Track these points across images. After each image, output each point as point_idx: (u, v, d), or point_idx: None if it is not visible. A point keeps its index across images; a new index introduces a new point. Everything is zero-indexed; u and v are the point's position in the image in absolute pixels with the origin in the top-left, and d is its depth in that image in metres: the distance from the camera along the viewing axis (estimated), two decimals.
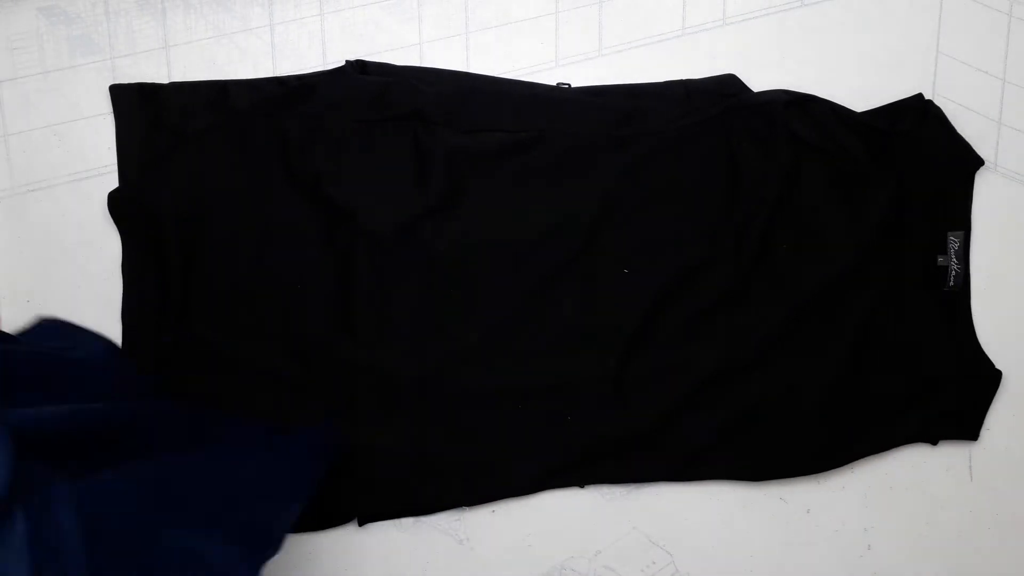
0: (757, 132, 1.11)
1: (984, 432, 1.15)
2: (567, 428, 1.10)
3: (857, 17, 1.18)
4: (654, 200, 1.11)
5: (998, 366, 1.14)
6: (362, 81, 1.11)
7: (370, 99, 1.10)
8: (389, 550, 1.10)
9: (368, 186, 1.09)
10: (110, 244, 1.10)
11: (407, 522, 1.10)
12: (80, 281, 1.10)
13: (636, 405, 1.10)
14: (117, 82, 1.11)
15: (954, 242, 1.14)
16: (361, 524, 1.09)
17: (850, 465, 1.13)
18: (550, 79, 1.15)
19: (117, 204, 1.09)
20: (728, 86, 1.14)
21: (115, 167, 1.10)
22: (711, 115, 1.11)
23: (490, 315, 1.10)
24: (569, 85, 1.15)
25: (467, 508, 1.11)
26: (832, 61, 1.18)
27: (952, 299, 1.14)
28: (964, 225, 1.15)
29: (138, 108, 1.10)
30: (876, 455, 1.13)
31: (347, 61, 1.13)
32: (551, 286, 1.10)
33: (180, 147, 1.10)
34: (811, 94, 1.13)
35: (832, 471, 1.13)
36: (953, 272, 1.13)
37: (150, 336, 1.08)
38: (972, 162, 1.15)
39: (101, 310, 1.10)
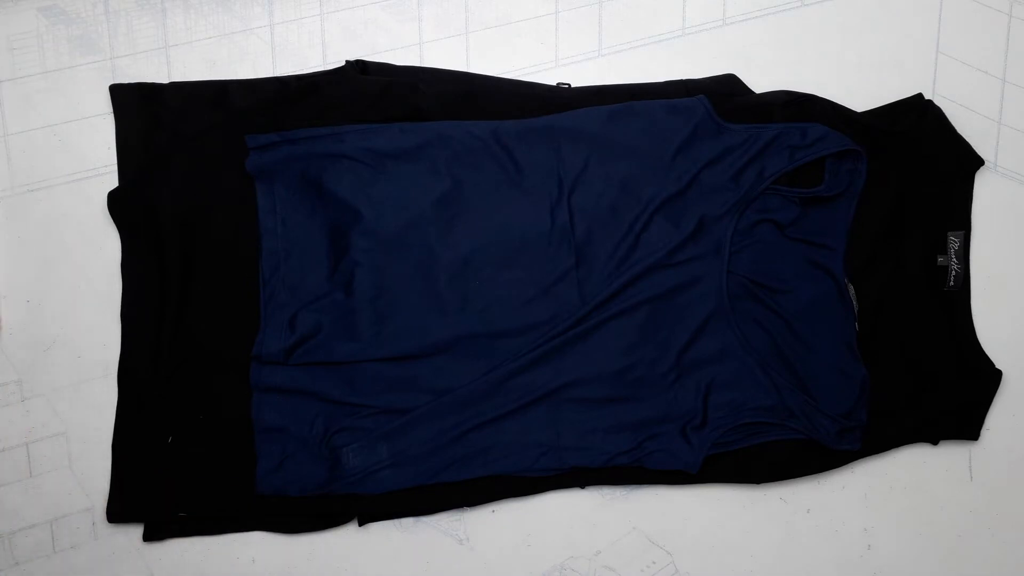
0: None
1: (984, 432, 1.15)
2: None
3: (857, 17, 1.18)
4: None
5: (998, 366, 1.14)
6: (362, 81, 1.11)
7: (370, 99, 1.10)
8: (389, 550, 1.10)
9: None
10: (110, 244, 1.10)
11: (407, 522, 1.10)
12: (80, 281, 1.10)
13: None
14: (117, 82, 1.11)
15: (954, 242, 1.14)
16: (361, 524, 1.09)
17: (850, 465, 1.13)
18: (550, 79, 1.15)
19: (117, 204, 1.09)
20: (728, 86, 1.15)
21: (115, 167, 1.10)
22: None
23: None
24: (569, 85, 1.15)
25: (467, 508, 1.11)
26: (832, 61, 1.18)
27: (952, 299, 1.14)
28: (964, 225, 1.15)
29: (138, 108, 1.10)
30: (876, 455, 1.13)
31: (347, 61, 1.13)
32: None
33: (180, 147, 1.10)
34: (811, 94, 1.13)
35: (832, 471, 1.13)
36: (953, 272, 1.13)
37: (150, 336, 1.08)
38: (972, 162, 1.15)
39: (101, 310, 1.10)
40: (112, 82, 1.11)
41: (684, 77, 1.15)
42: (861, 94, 1.15)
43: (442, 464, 1.08)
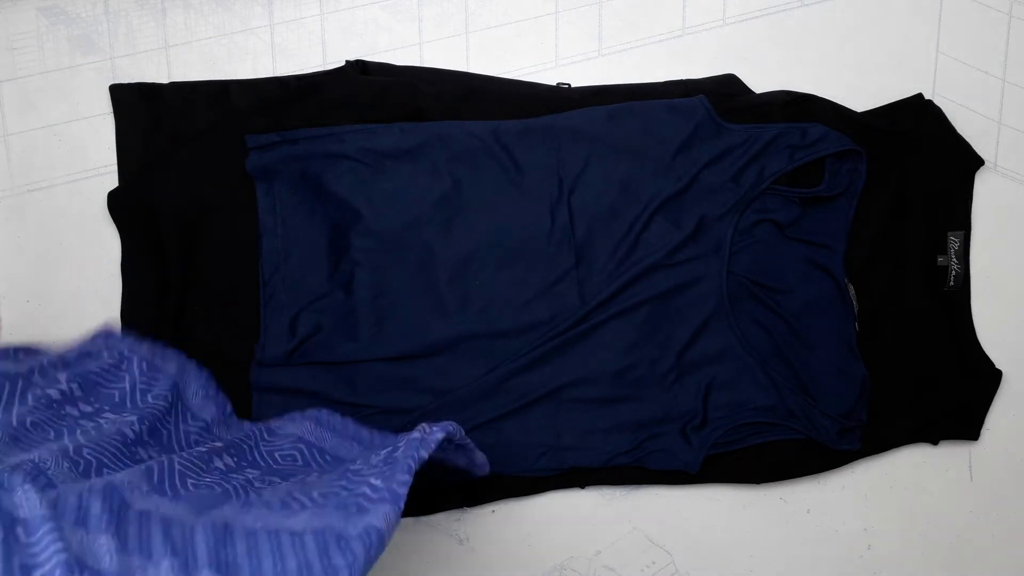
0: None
1: (984, 432, 1.15)
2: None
3: (857, 17, 1.18)
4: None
5: (998, 366, 1.14)
6: (362, 81, 1.11)
7: (370, 99, 1.10)
8: (389, 550, 1.10)
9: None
10: (110, 244, 1.10)
11: (407, 522, 1.10)
12: (80, 281, 1.10)
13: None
14: (117, 82, 1.11)
15: (954, 242, 1.14)
16: None
17: (850, 465, 1.13)
18: (550, 79, 1.15)
19: (117, 204, 1.09)
20: (728, 86, 1.15)
21: (115, 167, 1.10)
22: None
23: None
24: (569, 85, 1.15)
25: (467, 508, 1.11)
26: (832, 61, 1.18)
27: (952, 299, 1.14)
28: (964, 225, 1.15)
29: (138, 108, 1.10)
30: (876, 455, 1.13)
31: (347, 61, 1.13)
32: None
33: (180, 147, 1.10)
34: (811, 94, 1.13)
35: (832, 471, 1.13)
36: (953, 272, 1.13)
37: (150, 336, 1.08)
38: (972, 162, 1.15)
39: (101, 310, 1.10)
40: (112, 82, 1.11)
41: (684, 77, 1.15)
42: (861, 94, 1.15)
43: None
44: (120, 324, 1.09)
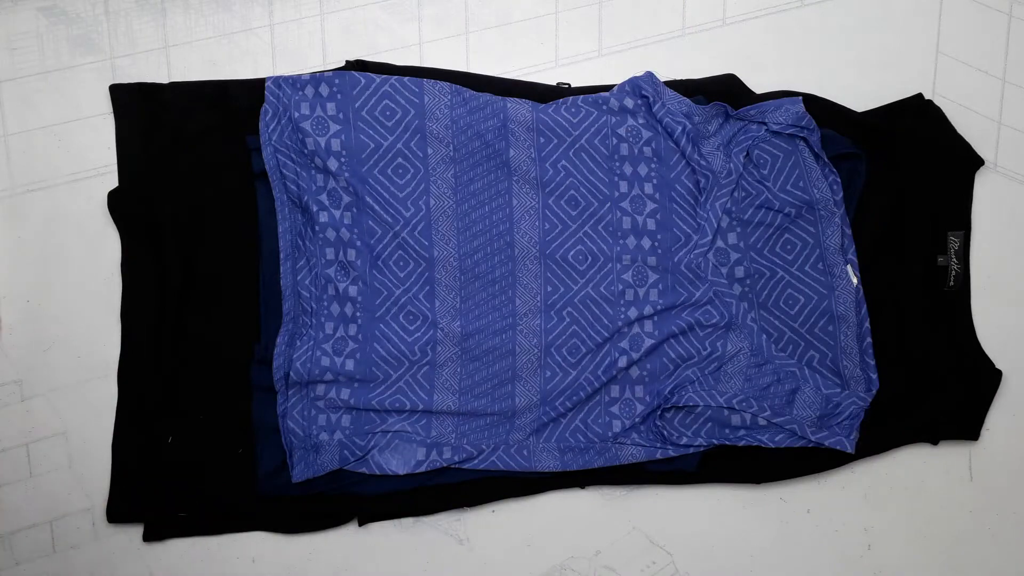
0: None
1: (984, 432, 1.15)
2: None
3: (857, 17, 1.18)
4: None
5: (998, 366, 1.14)
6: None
7: None
8: (389, 550, 1.10)
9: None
10: (110, 244, 1.10)
11: (407, 522, 1.10)
12: (80, 281, 1.10)
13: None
14: (117, 82, 1.11)
15: (954, 242, 1.14)
16: (361, 524, 1.09)
17: (850, 465, 1.13)
18: (550, 79, 1.15)
19: (117, 204, 1.09)
20: (728, 86, 1.15)
21: (115, 167, 1.10)
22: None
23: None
24: (569, 85, 1.15)
25: (467, 508, 1.11)
26: (832, 61, 1.18)
27: (952, 299, 1.14)
28: (964, 225, 1.15)
29: (138, 108, 1.10)
30: (876, 455, 1.13)
31: (347, 61, 1.13)
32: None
33: (180, 147, 1.10)
34: (811, 94, 1.13)
35: (832, 471, 1.13)
36: (953, 272, 1.13)
37: (150, 336, 1.08)
38: (972, 162, 1.15)
39: (101, 310, 1.10)
40: (112, 82, 1.11)
41: (684, 77, 1.15)
42: (861, 94, 1.15)
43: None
44: (120, 324, 1.09)
